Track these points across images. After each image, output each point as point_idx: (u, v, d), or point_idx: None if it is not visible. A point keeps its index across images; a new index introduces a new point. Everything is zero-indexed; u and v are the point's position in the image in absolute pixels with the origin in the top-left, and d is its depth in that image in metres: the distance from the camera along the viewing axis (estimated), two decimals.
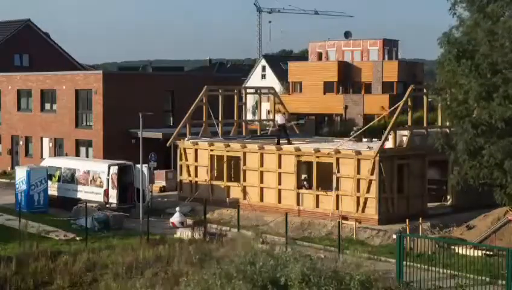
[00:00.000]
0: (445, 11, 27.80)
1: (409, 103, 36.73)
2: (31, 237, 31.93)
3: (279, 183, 38.10)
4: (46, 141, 54.53)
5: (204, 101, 43.28)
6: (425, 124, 38.06)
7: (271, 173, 38.45)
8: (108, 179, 39.54)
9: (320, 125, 70.38)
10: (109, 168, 39.70)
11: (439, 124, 36.93)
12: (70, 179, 41.63)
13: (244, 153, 39.70)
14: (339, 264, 22.21)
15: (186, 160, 42.26)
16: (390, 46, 75.95)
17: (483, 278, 24.21)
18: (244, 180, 39.52)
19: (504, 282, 23.59)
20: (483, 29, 26.07)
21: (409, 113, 37.03)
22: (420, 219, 33.13)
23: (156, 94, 51.51)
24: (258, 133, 46.25)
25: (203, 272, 16.90)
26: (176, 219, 36.18)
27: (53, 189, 41.43)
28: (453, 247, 28.58)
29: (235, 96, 45.58)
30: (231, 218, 36.90)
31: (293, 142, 39.99)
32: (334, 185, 35.95)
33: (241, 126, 46.01)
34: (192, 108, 43.20)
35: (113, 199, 39.30)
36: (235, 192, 39.95)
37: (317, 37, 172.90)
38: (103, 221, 36.03)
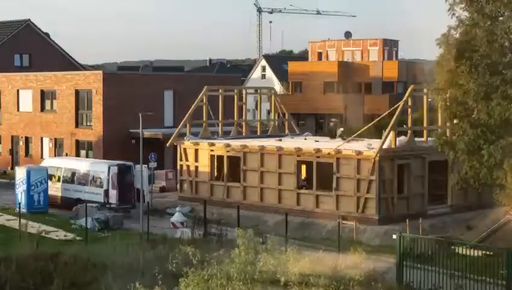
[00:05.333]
0: (444, 12, 27.78)
1: (409, 103, 36.74)
2: (31, 237, 31.92)
3: (279, 184, 38.11)
4: (46, 141, 54.56)
5: (204, 101, 43.30)
6: (425, 124, 38.07)
7: (271, 173, 38.45)
8: (108, 179, 39.55)
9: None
10: (109, 168, 39.70)
11: (439, 124, 36.94)
12: (70, 179, 41.64)
13: (244, 153, 39.71)
14: (338, 265, 22.20)
15: (187, 160, 42.27)
16: (390, 46, 75.93)
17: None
18: (244, 180, 39.54)
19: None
20: (482, 30, 26.08)
21: (409, 113, 37.03)
22: (420, 218, 33.17)
23: (156, 94, 51.54)
24: (258, 134, 46.32)
25: (203, 272, 16.91)
26: (176, 219, 36.20)
27: (53, 189, 41.44)
28: (453, 247, 28.57)
29: (235, 96, 45.61)
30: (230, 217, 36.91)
31: None
32: (334, 185, 35.96)
33: (241, 126, 46.06)
34: (192, 108, 43.23)
35: (113, 199, 39.31)
36: (236, 192, 39.99)
37: (317, 37, 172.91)
38: (103, 221, 36.06)
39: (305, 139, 43.59)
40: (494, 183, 27.34)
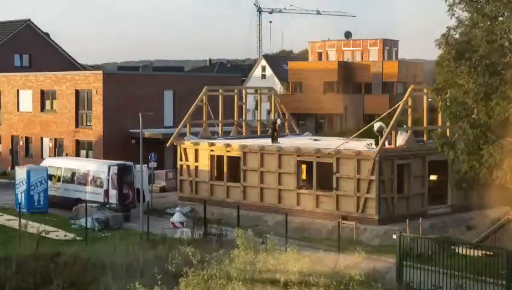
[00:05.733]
0: (444, 12, 27.80)
1: (409, 103, 36.73)
2: (31, 237, 31.91)
3: (279, 184, 38.11)
4: (46, 141, 54.56)
5: (204, 101, 43.30)
6: (425, 124, 38.05)
7: (271, 173, 38.44)
8: (108, 179, 39.53)
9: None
10: (109, 168, 39.69)
11: (439, 124, 36.95)
12: (70, 179, 41.63)
13: (244, 153, 39.71)
14: (338, 265, 22.19)
15: (187, 160, 42.27)
16: (390, 46, 75.90)
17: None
18: (244, 180, 39.54)
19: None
20: (482, 30, 26.09)
21: (409, 113, 37.01)
22: (420, 218, 33.17)
23: (156, 94, 51.55)
24: (258, 134, 46.32)
25: (202, 272, 16.91)
26: (176, 219, 36.21)
27: (53, 189, 41.43)
28: (453, 247, 28.58)
29: (235, 96, 45.61)
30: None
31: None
32: (334, 185, 35.96)
33: (241, 126, 46.07)
34: (192, 108, 43.23)
35: (113, 199, 39.29)
36: (236, 192, 39.98)
37: (317, 37, 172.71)
38: (103, 221, 36.06)
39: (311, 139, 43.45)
40: (494, 183, 27.36)
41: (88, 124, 51.71)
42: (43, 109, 54.99)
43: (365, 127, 40.30)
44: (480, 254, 26.95)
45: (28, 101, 55.85)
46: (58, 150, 53.48)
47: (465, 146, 26.86)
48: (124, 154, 44.10)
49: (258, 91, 49.83)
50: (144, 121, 36.16)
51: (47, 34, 68.99)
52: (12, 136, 57.28)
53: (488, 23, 26.28)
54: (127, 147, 47.47)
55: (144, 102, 48.54)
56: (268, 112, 53.25)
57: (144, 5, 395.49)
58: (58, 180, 42.06)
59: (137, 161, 37.86)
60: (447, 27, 27.16)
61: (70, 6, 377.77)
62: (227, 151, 40.68)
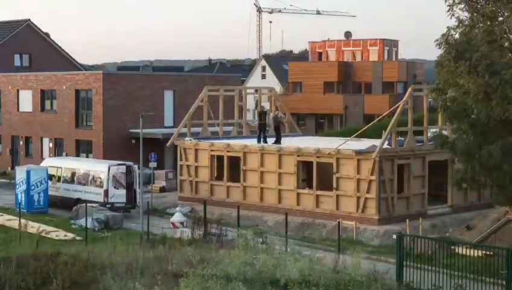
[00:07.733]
0: (444, 12, 27.80)
1: (409, 103, 36.71)
2: (31, 237, 31.91)
3: (279, 184, 38.11)
4: (46, 141, 54.56)
5: (204, 101, 43.31)
6: (425, 124, 38.04)
7: (271, 173, 38.44)
8: (108, 179, 39.53)
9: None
10: (109, 168, 39.69)
11: (439, 124, 36.94)
12: (70, 179, 41.63)
13: (244, 153, 39.71)
14: (338, 265, 22.22)
15: (187, 160, 42.27)
16: (390, 46, 75.90)
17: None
18: (244, 180, 39.53)
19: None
20: (482, 30, 26.09)
21: (409, 113, 37.01)
22: (420, 218, 33.17)
23: (156, 94, 51.56)
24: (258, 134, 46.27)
25: (202, 272, 16.94)
26: (176, 219, 36.19)
27: (53, 189, 41.43)
28: (453, 247, 28.56)
29: (235, 96, 45.62)
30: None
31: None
32: (334, 185, 35.95)
33: (241, 126, 46.07)
34: (192, 108, 43.25)
35: (113, 199, 39.27)
36: (236, 192, 39.97)
37: (317, 37, 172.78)
38: (103, 221, 36.07)
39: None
40: (493, 183, 27.32)
41: (88, 124, 51.70)
42: (43, 109, 54.99)
43: (365, 127, 40.28)
44: (480, 254, 26.94)
45: (28, 101, 55.84)
46: (58, 150, 53.49)
47: (464, 146, 26.83)
48: (124, 154, 44.10)
49: (258, 91, 49.83)
50: (144, 121, 36.16)
51: (47, 34, 68.99)
52: (12, 136, 57.28)
53: (488, 23, 26.28)
54: (127, 147, 47.46)
55: (144, 102, 48.54)
56: (269, 112, 53.21)
57: (143, 5, 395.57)
58: (58, 180, 42.06)
59: (138, 161, 37.85)
60: (447, 27, 27.17)
61: (71, 6, 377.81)
62: (227, 151, 40.68)
